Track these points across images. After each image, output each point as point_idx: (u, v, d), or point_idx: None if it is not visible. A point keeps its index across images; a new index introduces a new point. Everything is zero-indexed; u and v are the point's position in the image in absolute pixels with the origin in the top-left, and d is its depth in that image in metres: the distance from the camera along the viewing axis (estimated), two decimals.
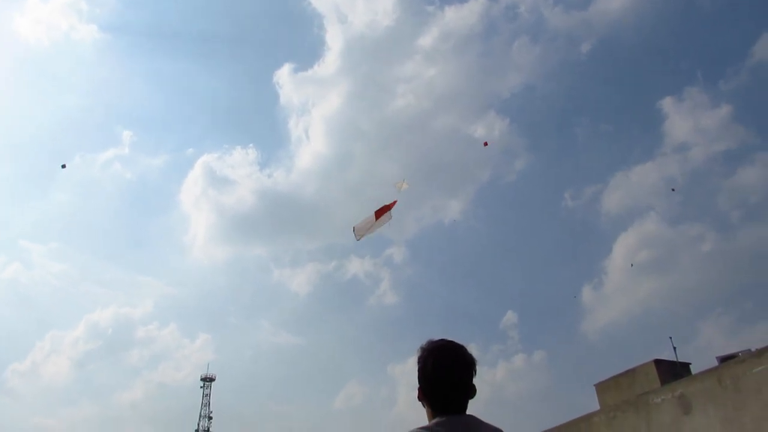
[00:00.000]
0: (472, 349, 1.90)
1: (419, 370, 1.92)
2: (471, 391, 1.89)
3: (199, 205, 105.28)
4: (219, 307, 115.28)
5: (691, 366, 9.11)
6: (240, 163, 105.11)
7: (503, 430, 1.93)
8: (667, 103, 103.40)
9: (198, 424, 62.50)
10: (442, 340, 1.96)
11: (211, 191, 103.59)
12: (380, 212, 7.77)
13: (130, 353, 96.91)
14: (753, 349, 6.64)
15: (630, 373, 9.19)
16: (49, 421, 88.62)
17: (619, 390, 9.07)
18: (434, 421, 1.84)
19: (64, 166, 65.17)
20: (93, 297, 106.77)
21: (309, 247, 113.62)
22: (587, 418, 7.80)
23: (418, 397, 1.94)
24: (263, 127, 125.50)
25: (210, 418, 63.11)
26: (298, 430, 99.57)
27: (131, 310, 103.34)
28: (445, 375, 1.86)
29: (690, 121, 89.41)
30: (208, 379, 65.23)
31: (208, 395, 64.28)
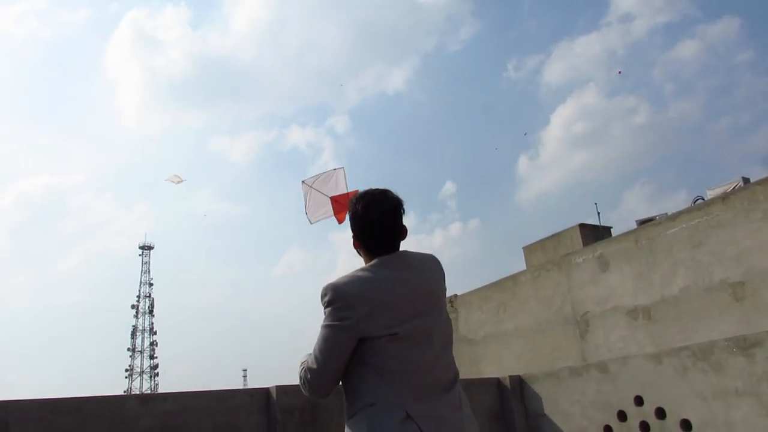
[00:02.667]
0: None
1: (351, 218, 1.96)
2: (402, 231, 1.94)
3: (128, 68, 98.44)
4: (156, 176, 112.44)
5: (612, 229, 9.76)
6: (171, 23, 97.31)
7: (435, 256, 2.02)
8: None
9: (139, 290, 63.56)
10: (369, 189, 2.00)
11: (141, 53, 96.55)
12: (338, 204, 6.79)
13: (65, 223, 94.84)
14: (669, 214, 7.11)
15: (556, 237, 9.73)
16: None
17: (545, 252, 9.65)
18: (372, 262, 1.87)
19: None
20: (19, 163, 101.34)
21: (247, 115, 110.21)
22: (514, 277, 8.32)
23: (354, 245, 1.98)
24: None
25: (151, 284, 64.05)
26: (239, 295, 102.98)
27: (63, 178, 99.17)
28: (375, 216, 1.89)
29: None
30: (146, 247, 65.20)
31: (147, 263, 64.64)
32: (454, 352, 1.93)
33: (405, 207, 1.97)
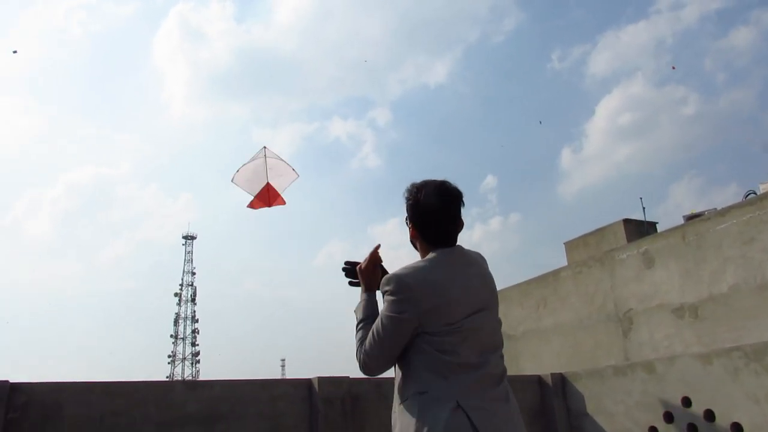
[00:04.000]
0: None
1: (411, 207, 1.93)
2: (461, 223, 1.94)
3: (174, 60, 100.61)
4: (200, 166, 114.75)
5: (657, 225, 9.50)
6: (216, 16, 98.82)
7: (481, 253, 2.02)
8: None
9: (182, 279, 65.09)
10: (429, 180, 1.97)
11: (187, 46, 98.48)
12: (263, 194, 6.55)
13: (112, 212, 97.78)
14: (718, 208, 6.87)
15: (599, 232, 9.53)
16: (34, 275, 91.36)
17: (587, 247, 9.47)
18: (431, 254, 1.87)
19: (15, 52, 59.48)
20: (68, 154, 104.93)
21: (290, 107, 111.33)
22: (555, 273, 8.19)
23: (411, 237, 1.97)
24: None
25: (193, 273, 65.52)
26: (279, 283, 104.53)
27: (110, 169, 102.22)
28: (437, 205, 1.88)
29: None
30: (189, 237, 66.70)
31: (190, 252, 66.12)
32: None
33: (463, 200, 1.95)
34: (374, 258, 2.04)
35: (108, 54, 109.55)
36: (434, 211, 1.89)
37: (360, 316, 1.97)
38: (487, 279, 1.93)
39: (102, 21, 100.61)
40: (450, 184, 1.95)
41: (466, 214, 1.95)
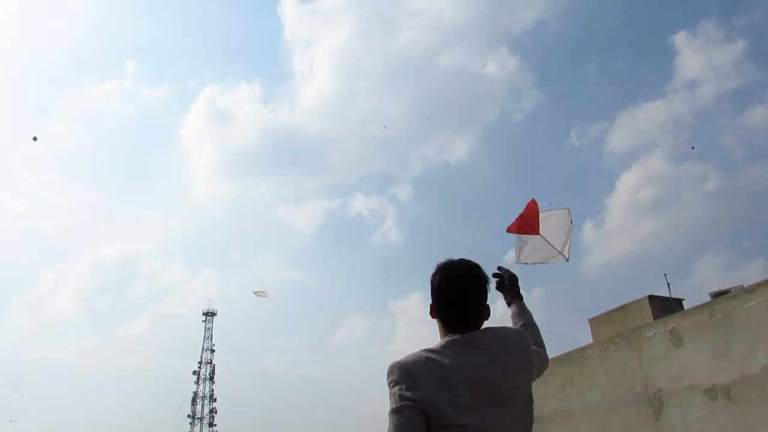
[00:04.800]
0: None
1: (433, 289, 1.87)
2: (484, 310, 1.84)
3: (201, 140, 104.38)
4: (223, 243, 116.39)
5: (684, 302, 9.32)
6: (244, 98, 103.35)
7: (521, 332, 1.96)
8: (680, 38, 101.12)
9: (201, 356, 64.49)
10: (457, 259, 1.90)
11: (214, 127, 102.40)
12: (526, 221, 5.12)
13: (136, 287, 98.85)
14: (745, 285, 6.76)
15: (624, 309, 9.37)
16: (57, 352, 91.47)
17: (612, 325, 9.28)
18: (445, 338, 1.79)
19: (35, 139, 63.35)
20: (96, 231, 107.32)
21: (313, 184, 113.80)
22: (581, 351, 8.01)
23: (431, 314, 1.89)
24: (267, 61, 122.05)
25: (213, 350, 65.00)
26: (299, 361, 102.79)
27: (136, 245, 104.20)
28: (454, 288, 1.82)
29: (702, 57, 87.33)
30: (210, 314, 66.65)
31: (210, 329, 65.90)
32: None
33: (490, 284, 1.90)
34: None
35: (139, 133, 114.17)
36: (446, 292, 1.84)
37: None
38: (508, 368, 1.75)
39: (135, 103, 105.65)
40: (474, 268, 1.87)
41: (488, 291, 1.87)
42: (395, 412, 1.63)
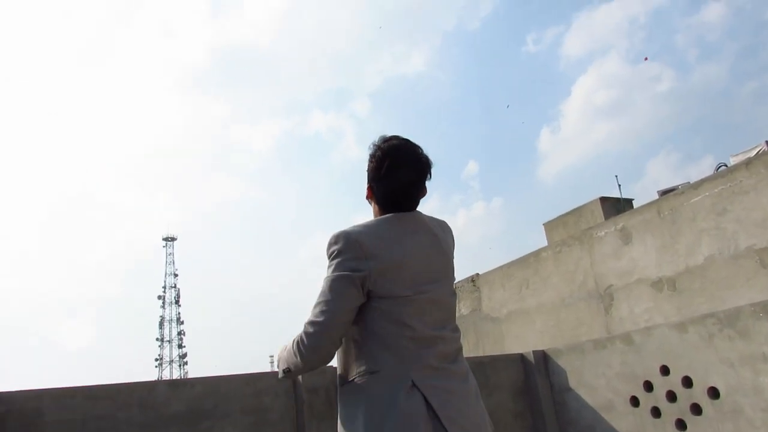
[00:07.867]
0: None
1: (372, 169, 1.72)
2: (423, 191, 1.74)
3: (150, 60, 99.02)
4: (179, 165, 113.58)
5: (634, 201, 9.63)
6: (188, 11, 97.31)
7: (447, 223, 1.86)
8: None
9: (164, 281, 64.63)
10: (395, 137, 1.74)
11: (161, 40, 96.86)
12: None
13: (93, 215, 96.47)
14: (692, 182, 6.99)
15: (577, 212, 9.63)
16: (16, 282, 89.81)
17: (566, 227, 9.57)
18: (387, 215, 1.69)
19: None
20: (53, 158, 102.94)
21: (269, 102, 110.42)
22: (536, 254, 8.27)
23: (367, 197, 1.77)
24: None
25: (176, 275, 65.10)
26: (264, 279, 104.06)
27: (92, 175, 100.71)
28: (402, 175, 1.68)
29: None
30: (170, 239, 66.22)
31: (171, 254, 65.66)
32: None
33: (432, 173, 1.75)
34: None
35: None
36: (394, 179, 1.69)
37: None
38: (445, 248, 1.74)
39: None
40: (420, 150, 1.74)
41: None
42: (336, 279, 1.57)
